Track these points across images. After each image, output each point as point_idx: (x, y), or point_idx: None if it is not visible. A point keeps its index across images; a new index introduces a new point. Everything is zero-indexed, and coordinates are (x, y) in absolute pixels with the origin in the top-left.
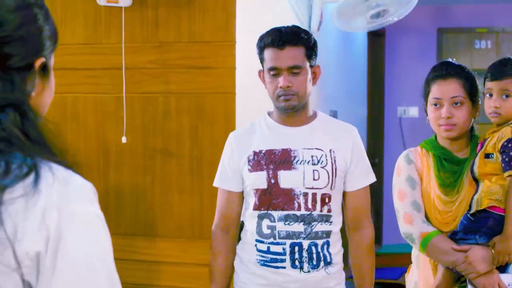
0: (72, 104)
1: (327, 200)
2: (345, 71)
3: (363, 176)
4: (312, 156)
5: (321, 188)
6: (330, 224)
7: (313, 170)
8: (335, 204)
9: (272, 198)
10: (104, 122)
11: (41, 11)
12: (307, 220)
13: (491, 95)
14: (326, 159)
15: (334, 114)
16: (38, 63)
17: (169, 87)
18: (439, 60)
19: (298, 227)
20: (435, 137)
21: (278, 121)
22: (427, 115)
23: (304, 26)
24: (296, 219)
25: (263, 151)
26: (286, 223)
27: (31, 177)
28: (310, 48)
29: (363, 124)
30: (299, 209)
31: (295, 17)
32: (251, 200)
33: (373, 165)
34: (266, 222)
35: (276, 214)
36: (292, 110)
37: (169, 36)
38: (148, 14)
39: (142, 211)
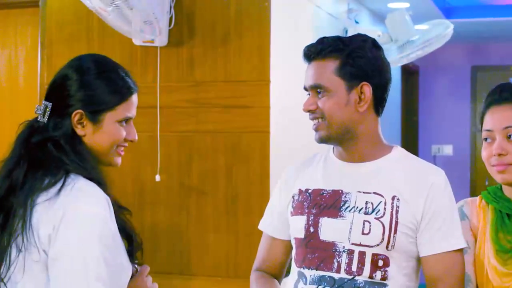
0: None
1: (381, 263)
2: None
3: (441, 237)
4: (366, 203)
5: (371, 246)
6: None
7: (364, 221)
8: (397, 271)
9: (308, 252)
10: (139, 161)
11: (76, 82)
12: (346, 286)
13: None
14: (385, 208)
15: None
16: (74, 113)
17: (204, 126)
18: (473, 98)
19: None
20: (501, 185)
21: (337, 155)
22: None
23: None
24: (332, 283)
25: (309, 190)
26: (319, 287)
27: (58, 186)
28: (346, 60)
29: None
30: (338, 271)
31: None
32: (293, 252)
33: None
34: (299, 284)
35: (309, 274)
36: (327, 143)
37: (205, 75)
38: (184, 53)
39: (178, 250)
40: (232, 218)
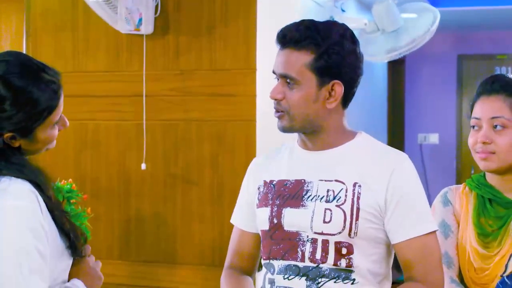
0: (93, 131)
1: (344, 251)
2: (365, 97)
3: (410, 222)
4: (328, 191)
5: (334, 234)
6: (351, 284)
7: (325, 209)
8: (363, 258)
9: (273, 244)
10: (125, 149)
11: (10, 98)
12: (311, 274)
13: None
14: (346, 195)
15: None
16: (5, 136)
17: (190, 115)
18: (459, 87)
19: (299, 283)
20: (485, 172)
21: (300, 144)
22: None
23: None
24: (298, 272)
25: (274, 182)
26: (286, 276)
27: None
28: (321, 56)
29: None
30: (302, 259)
31: None
32: (261, 245)
33: None
34: (268, 275)
35: (276, 264)
36: (290, 132)
37: (190, 64)
38: (170, 42)
39: (163, 238)
40: (217, 207)
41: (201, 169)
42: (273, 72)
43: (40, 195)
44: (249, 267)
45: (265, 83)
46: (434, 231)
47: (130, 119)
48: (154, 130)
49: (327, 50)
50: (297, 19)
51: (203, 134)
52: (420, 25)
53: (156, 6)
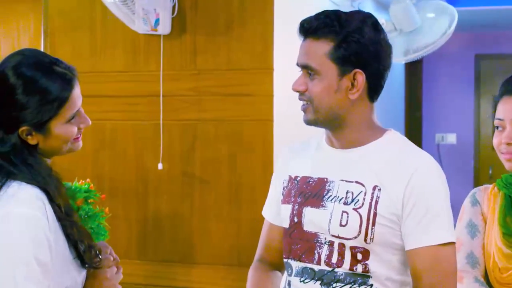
0: (111, 130)
1: (359, 256)
2: (382, 97)
3: (423, 229)
4: (347, 192)
5: (349, 239)
6: None
7: (342, 212)
8: (380, 265)
9: (292, 243)
10: (142, 149)
11: (14, 100)
12: (325, 279)
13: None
14: (364, 199)
15: None
16: (21, 130)
17: (207, 115)
18: (476, 87)
19: (314, 287)
20: None
21: (327, 141)
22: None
23: None
24: (313, 275)
25: (298, 178)
26: (302, 279)
27: None
28: (340, 44)
29: None
30: (318, 262)
31: None
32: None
33: None
34: (286, 276)
35: (294, 265)
36: (315, 126)
37: (207, 63)
38: (187, 42)
39: (180, 238)
40: (234, 207)
41: (218, 169)
42: (297, 64)
43: (50, 203)
44: (278, 261)
45: (282, 82)
46: (451, 243)
47: (147, 119)
48: (171, 130)
49: (345, 38)
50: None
51: (220, 133)
52: (438, 25)
53: (173, 7)
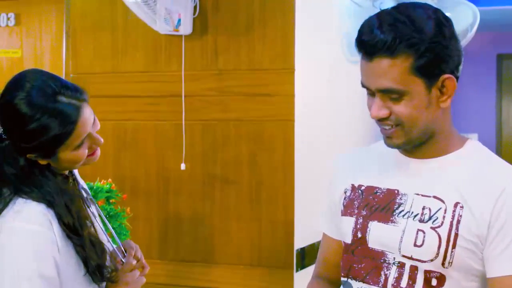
0: (132, 131)
1: (434, 282)
2: None
3: (509, 256)
4: (423, 208)
5: (424, 261)
6: None
7: (418, 230)
8: None
9: (354, 261)
10: (163, 149)
11: (19, 125)
12: None
13: None
14: (444, 217)
15: None
16: (28, 156)
17: (228, 115)
18: (498, 87)
19: None
20: None
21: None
22: None
23: None
24: None
25: (362, 187)
26: None
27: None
28: (422, 54)
29: None
30: (384, 285)
31: None
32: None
33: None
34: None
35: (355, 286)
36: (402, 148)
37: (229, 63)
38: (208, 42)
39: (201, 238)
40: (255, 207)
41: (240, 169)
42: (363, 86)
43: (58, 220)
44: (337, 277)
45: (303, 82)
46: None
47: (168, 119)
48: (192, 130)
49: (428, 48)
50: (335, 18)
51: (241, 133)
52: (460, 25)
53: (195, 7)
